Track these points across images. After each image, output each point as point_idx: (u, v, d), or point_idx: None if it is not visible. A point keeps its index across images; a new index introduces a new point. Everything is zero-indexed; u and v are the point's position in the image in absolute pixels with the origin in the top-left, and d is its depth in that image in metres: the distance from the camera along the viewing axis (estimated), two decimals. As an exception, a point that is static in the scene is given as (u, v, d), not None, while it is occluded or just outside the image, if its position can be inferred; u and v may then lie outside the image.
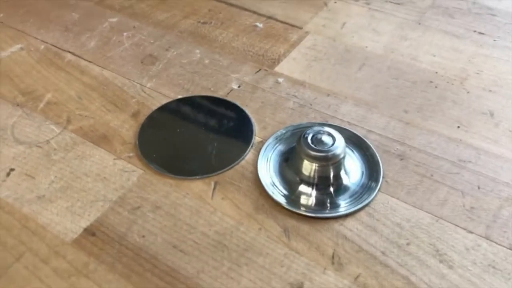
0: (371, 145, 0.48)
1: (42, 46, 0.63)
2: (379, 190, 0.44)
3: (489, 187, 0.45)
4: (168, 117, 0.53)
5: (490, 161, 0.47)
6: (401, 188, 0.45)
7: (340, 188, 0.45)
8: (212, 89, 0.56)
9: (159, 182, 0.46)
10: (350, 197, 0.44)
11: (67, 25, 0.67)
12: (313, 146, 0.43)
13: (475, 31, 0.64)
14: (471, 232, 0.41)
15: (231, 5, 0.70)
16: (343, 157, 0.44)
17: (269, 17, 0.67)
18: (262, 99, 0.54)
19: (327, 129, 0.44)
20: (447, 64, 0.58)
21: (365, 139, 0.49)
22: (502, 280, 0.38)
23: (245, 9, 0.69)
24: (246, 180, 0.46)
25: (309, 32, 0.64)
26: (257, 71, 0.58)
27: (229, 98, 0.54)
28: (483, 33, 0.63)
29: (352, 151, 0.48)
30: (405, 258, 0.40)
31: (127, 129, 0.51)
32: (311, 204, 0.44)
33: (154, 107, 0.53)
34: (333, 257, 0.40)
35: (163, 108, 0.53)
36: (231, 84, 0.57)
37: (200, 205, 0.44)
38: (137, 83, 0.57)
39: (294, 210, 0.43)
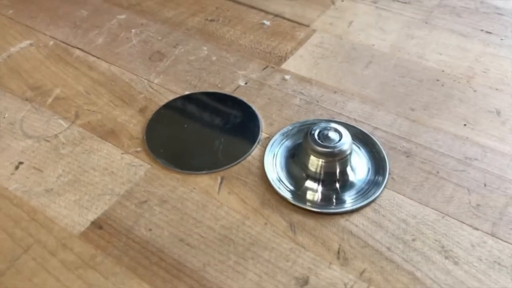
0: (377, 142, 0.48)
1: (51, 42, 0.63)
2: (385, 186, 0.45)
3: (495, 185, 0.45)
4: (175, 112, 0.53)
5: (497, 159, 0.47)
6: (407, 184, 0.45)
7: (346, 184, 0.45)
8: (219, 85, 0.56)
9: (166, 177, 0.46)
10: (356, 193, 0.44)
11: (75, 22, 0.67)
12: (319, 141, 0.43)
13: (482, 30, 0.64)
14: (476, 229, 0.41)
15: (239, 3, 0.70)
16: (350, 153, 0.44)
17: (277, 15, 0.68)
18: (268, 96, 0.55)
19: (333, 125, 0.45)
20: (453, 63, 0.58)
21: (372, 136, 0.49)
22: (507, 276, 0.38)
23: (253, 7, 0.69)
24: (253, 175, 0.46)
25: (316, 30, 0.65)
26: (264, 68, 0.59)
27: (236, 95, 0.55)
28: (490, 32, 0.63)
29: (359, 147, 0.48)
30: (411, 254, 0.40)
31: (134, 124, 0.52)
32: (317, 199, 0.44)
33: (162, 103, 0.54)
34: (338, 252, 0.40)
35: (171, 104, 0.54)
36: (238, 81, 0.57)
37: (206, 200, 0.44)
38: (145, 79, 0.57)
39: (300, 205, 0.43)
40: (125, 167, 0.47)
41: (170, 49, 0.62)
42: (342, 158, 0.44)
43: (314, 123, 0.47)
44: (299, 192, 0.44)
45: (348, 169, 0.45)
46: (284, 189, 0.44)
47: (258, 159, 0.48)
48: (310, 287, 0.38)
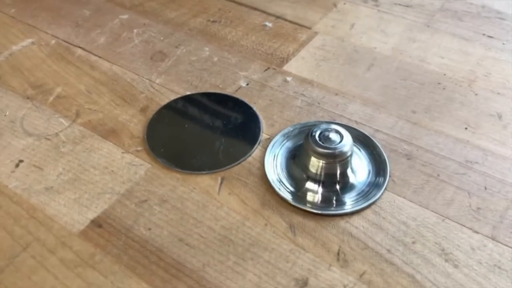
0: (378, 144, 0.48)
1: (53, 41, 0.64)
2: (385, 188, 0.44)
3: (496, 188, 0.45)
4: (176, 112, 0.53)
5: (497, 163, 0.47)
6: (408, 187, 0.45)
7: (347, 186, 0.45)
8: (220, 86, 0.56)
9: (166, 176, 0.46)
10: (357, 195, 0.44)
11: (77, 21, 0.67)
12: (320, 143, 0.43)
13: (484, 34, 0.64)
14: (477, 232, 0.41)
15: (241, 4, 0.70)
16: (350, 155, 0.44)
17: (279, 17, 0.68)
18: (270, 97, 0.55)
19: (334, 126, 0.45)
20: (455, 66, 0.58)
21: (373, 138, 0.49)
22: (507, 280, 0.38)
23: (255, 9, 0.69)
24: (253, 176, 0.46)
25: (318, 32, 0.65)
26: (266, 70, 0.59)
27: (237, 96, 0.55)
28: (492, 37, 0.63)
29: (359, 149, 0.48)
30: (411, 257, 0.40)
31: (135, 123, 0.52)
32: (317, 201, 0.44)
33: (163, 103, 0.54)
34: (338, 253, 0.40)
35: (172, 104, 0.54)
36: (240, 82, 0.57)
37: (206, 200, 0.44)
38: (146, 78, 0.57)
39: (300, 206, 0.43)
40: (125, 166, 0.47)
41: (172, 50, 0.62)
42: (342, 160, 0.44)
43: (315, 125, 0.47)
44: (299, 193, 0.44)
45: (349, 171, 0.45)
46: (285, 190, 0.44)
47: (259, 160, 0.48)
48: (309, 288, 0.38)
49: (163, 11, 0.69)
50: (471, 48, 0.61)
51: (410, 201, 0.44)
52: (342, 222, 0.42)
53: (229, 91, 0.56)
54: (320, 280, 0.38)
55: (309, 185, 0.45)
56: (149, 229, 0.42)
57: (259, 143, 0.49)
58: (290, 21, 0.67)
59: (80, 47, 0.62)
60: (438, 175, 0.46)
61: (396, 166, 0.47)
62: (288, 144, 0.49)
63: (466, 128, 0.50)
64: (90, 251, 0.40)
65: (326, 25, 0.66)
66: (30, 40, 0.64)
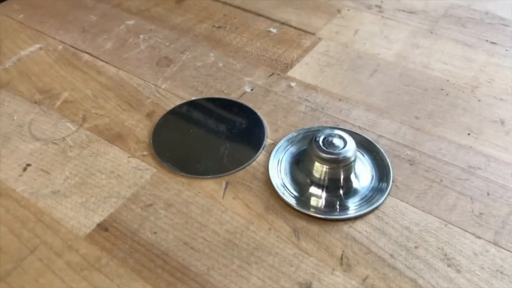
0: (381, 150, 0.49)
1: (60, 46, 0.64)
2: (388, 194, 0.45)
3: (498, 194, 0.45)
4: (181, 117, 0.54)
5: (500, 168, 0.47)
6: (411, 192, 0.45)
7: (350, 191, 0.45)
8: (225, 91, 0.57)
9: (172, 181, 0.47)
10: (360, 200, 0.45)
11: (84, 27, 0.68)
12: (324, 148, 0.44)
13: (487, 40, 0.64)
14: (479, 238, 0.42)
15: (246, 10, 0.71)
16: (354, 160, 0.44)
17: (283, 23, 0.68)
18: (274, 102, 0.55)
19: (338, 132, 0.45)
20: (458, 73, 0.59)
21: (376, 144, 0.49)
22: (510, 285, 0.38)
23: (259, 15, 0.70)
24: (257, 180, 0.47)
25: (322, 38, 0.65)
26: (270, 75, 0.59)
27: (242, 101, 0.55)
28: (495, 43, 0.64)
29: (363, 155, 0.48)
30: (413, 261, 0.40)
31: (141, 128, 0.52)
32: (321, 205, 0.44)
33: (168, 108, 0.54)
34: (341, 258, 0.40)
35: (177, 109, 0.54)
36: (244, 87, 0.57)
37: (211, 204, 0.45)
38: (152, 84, 0.58)
39: (304, 211, 0.43)
40: (131, 170, 0.48)
41: (178, 55, 0.63)
42: (346, 165, 0.44)
43: (319, 130, 0.47)
44: (303, 198, 0.45)
45: (352, 176, 0.45)
46: (288, 195, 0.45)
47: (263, 165, 0.48)
48: (313, 292, 0.38)
49: (169, 17, 0.70)
50: (474, 54, 0.62)
51: (413, 206, 0.44)
52: (345, 227, 0.43)
53: (233, 96, 0.56)
54: (323, 284, 0.39)
55: (313, 190, 0.45)
56: (155, 233, 0.42)
57: (263, 148, 0.50)
58: (295, 27, 0.67)
59: (87, 52, 0.63)
60: (441, 181, 0.46)
61: (399, 172, 0.47)
62: (292, 149, 0.49)
63: (469, 134, 0.51)
64: (96, 255, 0.41)
65: (330, 31, 0.67)
66: (38, 46, 0.64)
